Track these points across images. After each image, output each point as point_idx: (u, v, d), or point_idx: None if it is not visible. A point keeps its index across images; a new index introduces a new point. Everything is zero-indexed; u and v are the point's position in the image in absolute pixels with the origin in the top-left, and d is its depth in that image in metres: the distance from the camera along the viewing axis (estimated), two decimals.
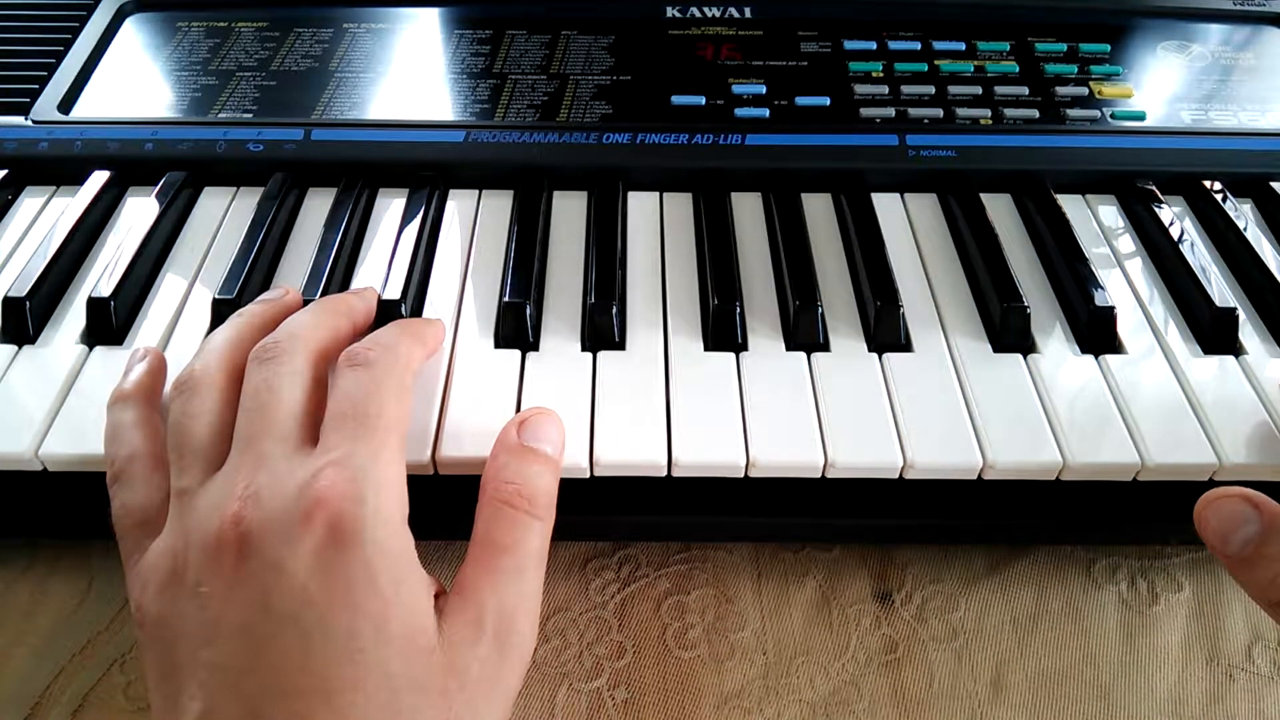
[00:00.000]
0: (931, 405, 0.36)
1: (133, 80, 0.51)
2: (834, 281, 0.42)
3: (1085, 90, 0.50)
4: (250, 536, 0.26)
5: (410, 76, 0.51)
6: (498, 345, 0.39)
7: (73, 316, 0.40)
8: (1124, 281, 0.42)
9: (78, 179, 0.46)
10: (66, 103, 0.49)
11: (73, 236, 0.43)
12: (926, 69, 0.51)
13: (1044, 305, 0.41)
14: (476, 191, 0.46)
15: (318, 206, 0.46)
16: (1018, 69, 0.52)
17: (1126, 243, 0.45)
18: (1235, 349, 0.39)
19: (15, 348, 0.39)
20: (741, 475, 0.34)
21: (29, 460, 0.34)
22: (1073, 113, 0.49)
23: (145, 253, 0.42)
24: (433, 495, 0.33)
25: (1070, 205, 0.46)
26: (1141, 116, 0.49)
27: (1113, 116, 0.49)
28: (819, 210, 0.46)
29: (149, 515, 0.30)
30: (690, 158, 0.47)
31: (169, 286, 0.42)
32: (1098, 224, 0.45)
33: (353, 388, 0.30)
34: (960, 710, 0.35)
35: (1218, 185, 0.46)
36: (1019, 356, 0.38)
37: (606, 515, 0.37)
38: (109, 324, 0.39)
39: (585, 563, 0.39)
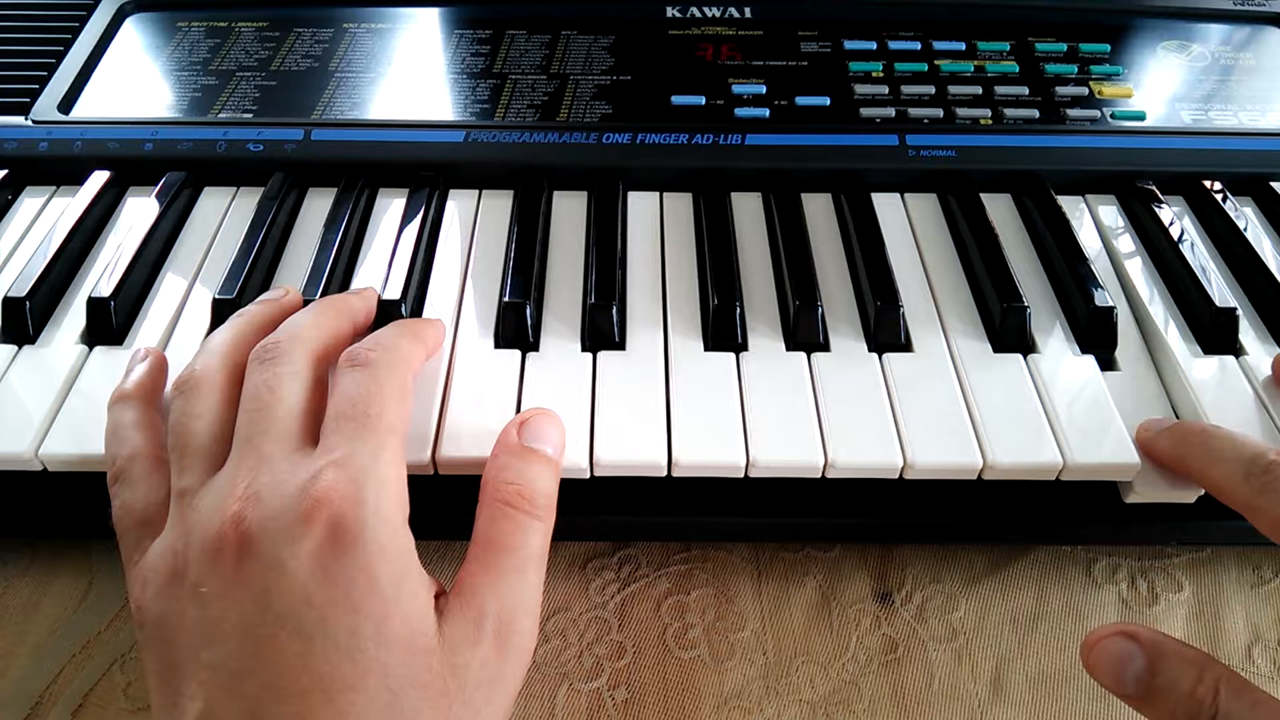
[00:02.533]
0: (931, 405, 0.36)
1: (133, 80, 0.51)
2: (834, 281, 0.42)
3: (1085, 90, 0.50)
4: (251, 536, 0.26)
5: (410, 76, 0.51)
6: (498, 345, 0.39)
7: (73, 316, 0.40)
8: (1124, 281, 0.42)
9: (78, 179, 0.46)
10: (66, 103, 0.49)
11: (73, 236, 0.43)
12: (926, 69, 0.52)
13: (1044, 305, 0.41)
14: (476, 191, 0.47)
15: (318, 206, 0.46)
16: (1018, 69, 0.52)
17: (1126, 243, 0.45)
18: (1235, 349, 0.39)
19: (15, 348, 0.39)
20: (741, 475, 0.34)
21: (29, 460, 0.34)
22: (1073, 113, 0.49)
23: (145, 253, 0.42)
24: (433, 495, 0.33)
25: (1070, 205, 0.46)
26: (1141, 116, 0.49)
27: (1113, 116, 0.49)
28: (819, 210, 0.46)
29: (149, 515, 0.30)
30: (690, 158, 0.47)
31: (169, 286, 0.42)
32: (1098, 224, 0.45)
33: (353, 388, 0.30)
34: (960, 710, 0.35)
35: (1218, 185, 0.46)
36: (1019, 356, 0.38)
37: (606, 515, 0.37)
38: (109, 324, 0.39)
39: (585, 563, 0.39)
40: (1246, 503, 0.30)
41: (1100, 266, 0.42)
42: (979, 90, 0.50)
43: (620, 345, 0.38)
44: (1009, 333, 0.39)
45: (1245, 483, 0.30)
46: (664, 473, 0.34)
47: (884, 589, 0.38)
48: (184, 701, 0.26)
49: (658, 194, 0.47)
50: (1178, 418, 0.37)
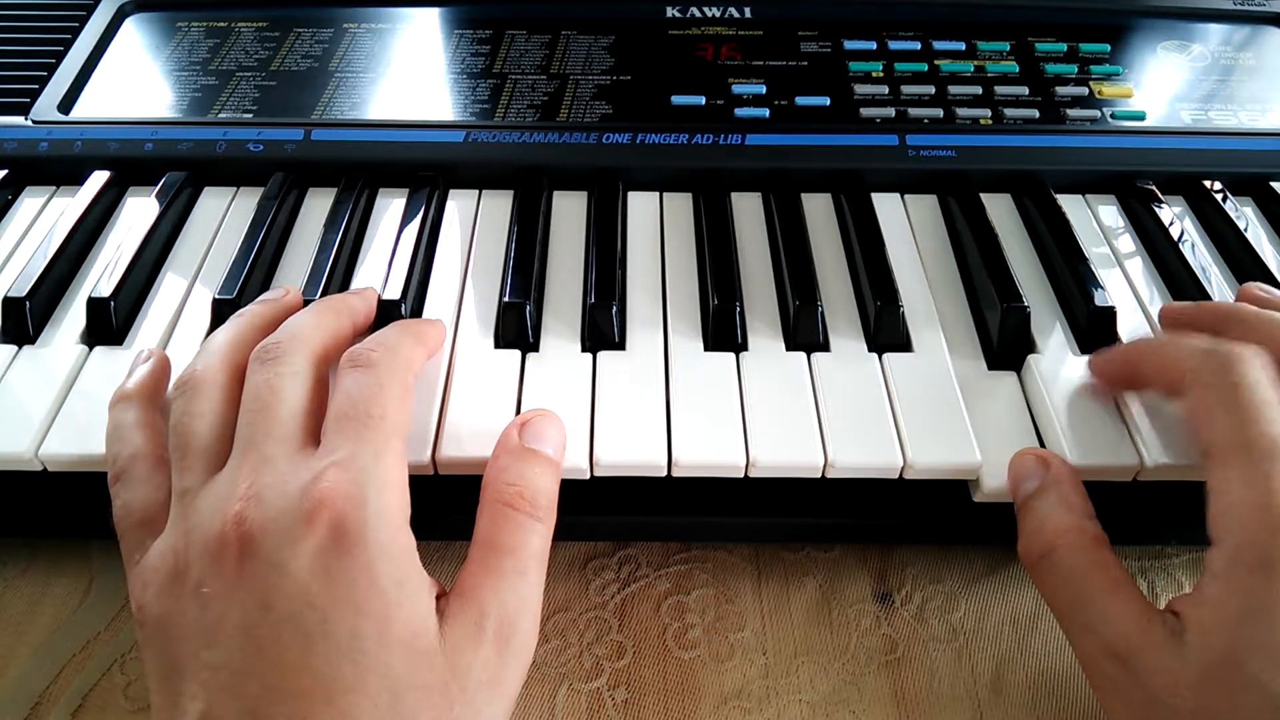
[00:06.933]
0: (931, 405, 0.36)
1: (133, 80, 0.51)
2: (834, 281, 0.42)
3: (1085, 90, 0.50)
4: (252, 537, 0.26)
5: (410, 76, 0.51)
6: (498, 345, 0.39)
7: (73, 316, 0.40)
8: (1124, 281, 0.42)
9: (78, 179, 0.46)
10: (66, 103, 0.49)
11: (73, 236, 0.43)
12: (926, 69, 0.52)
13: (1044, 305, 0.41)
14: (476, 191, 0.46)
15: (318, 206, 0.46)
16: (1018, 69, 0.52)
17: (1126, 243, 0.45)
18: None
19: (15, 348, 0.39)
20: (741, 475, 0.34)
21: (29, 460, 0.34)
22: (1073, 113, 0.49)
23: (145, 253, 0.42)
24: (433, 495, 0.33)
25: (1070, 205, 0.46)
26: (1141, 116, 0.49)
27: (1113, 116, 0.49)
28: (819, 210, 0.46)
29: (150, 515, 0.30)
30: (690, 158, 0.47)
31: (169, 286, 0.42)
32: (1098, 224, 0.45)
33: (355, 389, 0.30)
34: (960, 710, 0.35)
35: (1218, 185, 0.46)
36: (1019, 357, 0.38)
37: (606, 515, 0.37)
38: (109, 324, 0.39)
39: (585, 563, 0.39)
40: (1195, 376, 0.30)
41: (1100, 266, 0.42)
42: (979, 90, 0.50)
43: (620, 345, 0.38)
44: (1009, 333, 0.39)
45: (1203, 358, 0.30)
46: (664, 473, 0.34)
47: (884, 589, 0.38)
48: (184, 702, 0.26)
49: (658, 194, 0.47)
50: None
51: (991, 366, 0.38)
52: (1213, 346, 0.31)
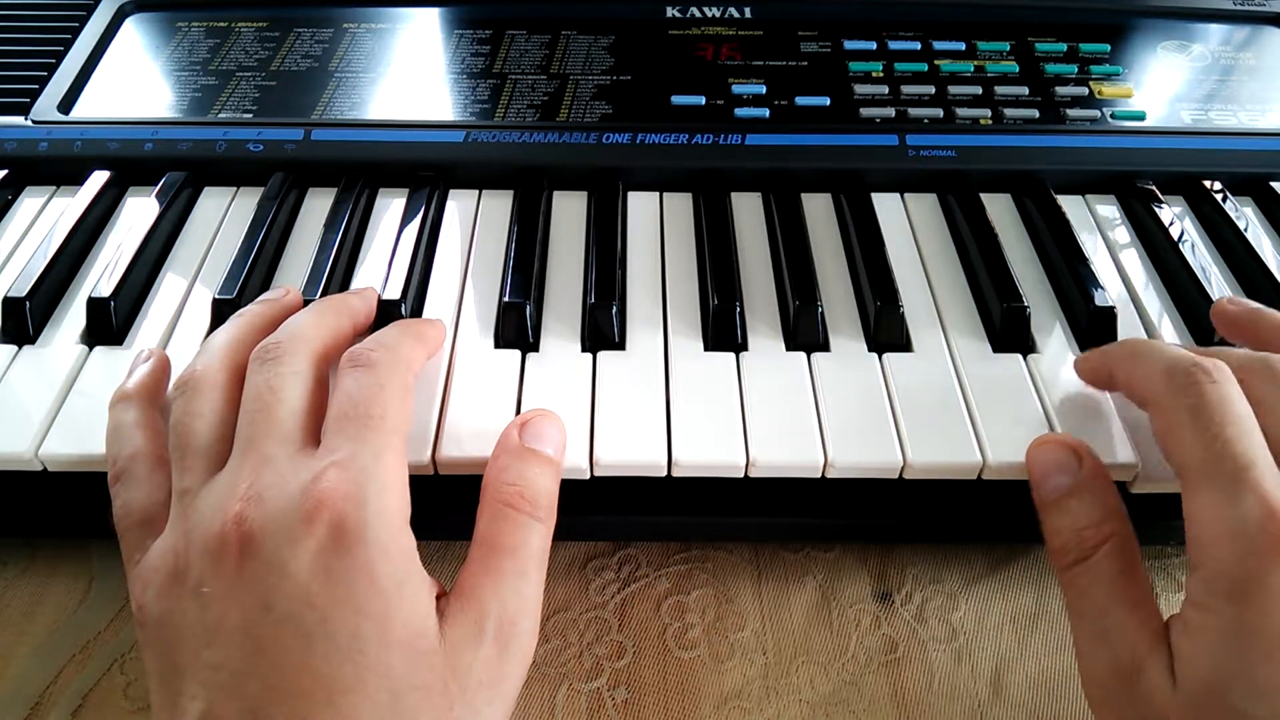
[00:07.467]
0: (931, 405, 0.36)
1: (133, 80, 0.51)
2: (834, 281, 0.42)
3: (1085, 90, 0.50)
4: (252, 537, 0.26)
5: (410, 76, 0.51)
6: (498, 345, 0.39)
7: (73, 316, 0.40)
8: (1124, 282, 0.42)
9: (78, 179, 0.46)
10: (66, 103, 0.49)
11: (73, 236, 0.43)
12: (926, 69, 0.52)
13: (1044, 305, 0.41)
14: (476, 191, 0.47)
15: (318, 206, 0.46)
16: (1018, 69, 0.52)
17: (1126, 243, 0.45)
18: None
19: (15, 348, 0.39)
20: (741, 475, 0.34)
21: (29, 460, 0.34)
22: (1073, 113, 0.49)
23: (145, 253, 0.42)
24: (433, 495, 0.33)
25: (1070, 205, 0.46)
26: (1141, 116, 0.49)
27: (1113, 116, 0.49)
28: (819, 210, 0.46)
29: (151, 515, 0.30)
30: (690, 158, 0.47)
31: (169, 286, 0.42)
32: (1097, 224, 0.45)
33: (355, 389, 0.30)
34: (960, 710, 0.35)
35: (1218, 185, 0.46)
36: (1019, 356, 0.38)
37: (606, 515, 0.37)
38: (109, 324, 0.39)
39: (585, 563, 0.39)
40: (1156, 399, 0.30)
41: (1100, 267, 0.42)
42: (979, 90, 0.50)
43: (620, 345, 0.38)
44: (1009, 333, 0.39)
45: (1163, 379, 0.30)
46: (664, 473, 0.34)
47: (884, 589, 0.38)
48: (184, 702, 0.26)
49: (658, 194, 0.47)
50: None
51: (991, 366, 0.38)
52: (1173, 365, 0.30)
